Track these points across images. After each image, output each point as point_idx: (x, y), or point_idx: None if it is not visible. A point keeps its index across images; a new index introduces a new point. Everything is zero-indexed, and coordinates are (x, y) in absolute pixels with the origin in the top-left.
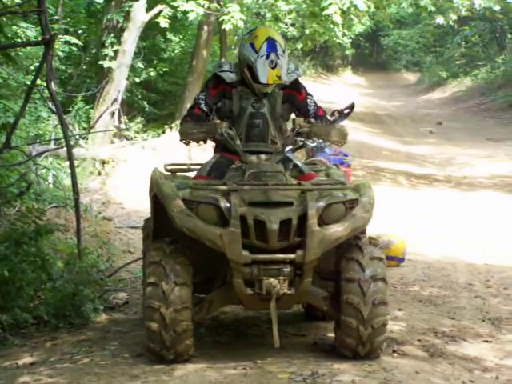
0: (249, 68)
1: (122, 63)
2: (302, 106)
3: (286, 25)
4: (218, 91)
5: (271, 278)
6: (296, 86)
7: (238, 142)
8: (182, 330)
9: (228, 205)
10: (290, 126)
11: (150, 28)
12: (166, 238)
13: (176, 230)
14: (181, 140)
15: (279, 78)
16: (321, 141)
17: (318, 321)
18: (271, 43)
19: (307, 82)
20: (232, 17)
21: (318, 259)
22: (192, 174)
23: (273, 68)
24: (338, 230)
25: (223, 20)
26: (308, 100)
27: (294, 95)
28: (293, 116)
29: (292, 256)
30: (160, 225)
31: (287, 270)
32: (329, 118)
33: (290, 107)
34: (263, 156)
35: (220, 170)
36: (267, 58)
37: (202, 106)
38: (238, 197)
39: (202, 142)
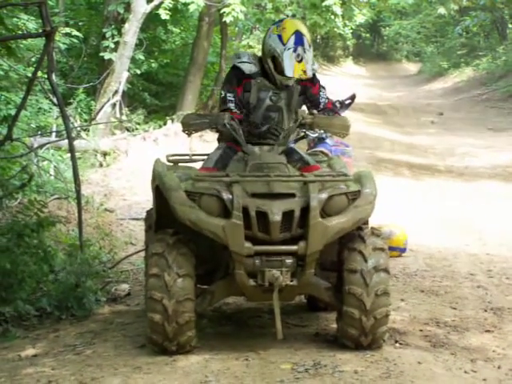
0: (273, 59)
1: (122, 55)
2: (315, 99)
3: (287, 16)
4: (242, 87)
5: (274, 269)
6: (312, 78)
7: (241, 132)
8: (185, 321)
9: (230, 196)
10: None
11: (151, 19)
12: (169, 230)
13: (178, 222)
14: (183, 131)
15: (304, 72)
16: (322, 131)
17: (320, 311)
18: (299, 37)
19: None
20: (233, 9)
21: (320, 250)
22: (194, 165)
23: (299, 62)
24: (340, 222)
25: (224, 12)
26: (321, 93)
27: (309, 88)
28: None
29: (294, 247)
30: (162, 216)
31: (289, 261)
32: (338, 106)
33: (303, 99)
34: (265, 147)
35: (227, 161)
36: (294, 51)
37: (234, 109)
38: (240, 188)
39: (203, 133)
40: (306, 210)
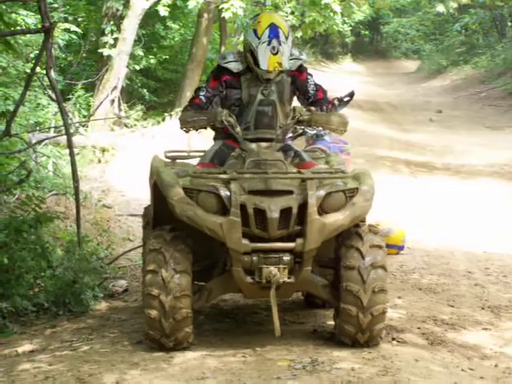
0: (251, 53)
1: (121, 51)
2: (303, 86)
3: (286, 13)
4: (218, 83)
5: (271, 266)
6: (299, 67)
7: (238, 129)
8: (182, 317)
9: (228, 193)
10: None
11: (150, 16)
12: (166, 226)
13: (176, 218)
14: (181, 128)
15: (280, 64)
16: (320, 128)
17: (317, 308)
18: (274, 29)
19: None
20: (232, 5)
21: (318, 247)
22: (192, 161)
23: (274, 54)
24: (338, 219)
25: (223, 8)
26: (308, 80)
27: (297, 76)
28: (294, 99)
29: (292, 245)
30: (160, 212)
31: (287, 258)
32: (336, 103)
33: (293, 89)
34: (263, 144)
35: (223, 157)
36: (269, 44)
37: (201, 96)
38: (238, 185)
39: (202, 130)
40: (303, 207)
